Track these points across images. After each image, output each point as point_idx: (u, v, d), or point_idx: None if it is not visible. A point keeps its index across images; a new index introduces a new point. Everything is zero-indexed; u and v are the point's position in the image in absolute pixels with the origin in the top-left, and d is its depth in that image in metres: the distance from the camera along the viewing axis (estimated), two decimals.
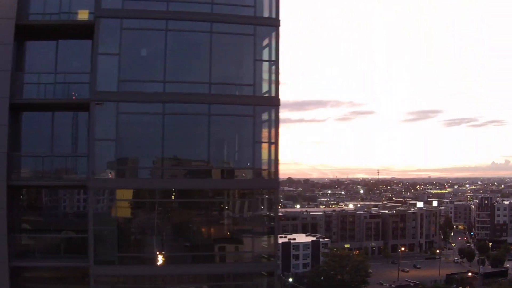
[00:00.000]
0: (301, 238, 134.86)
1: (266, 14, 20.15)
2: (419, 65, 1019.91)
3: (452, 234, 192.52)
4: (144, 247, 19.82)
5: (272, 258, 19.69)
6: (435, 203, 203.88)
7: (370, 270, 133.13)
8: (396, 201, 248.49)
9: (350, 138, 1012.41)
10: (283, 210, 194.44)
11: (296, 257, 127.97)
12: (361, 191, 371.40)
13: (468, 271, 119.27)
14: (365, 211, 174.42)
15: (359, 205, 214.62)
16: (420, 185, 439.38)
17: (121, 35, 19.13)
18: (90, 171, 19.09)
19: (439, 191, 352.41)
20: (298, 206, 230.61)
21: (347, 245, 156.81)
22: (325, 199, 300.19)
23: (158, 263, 19.31)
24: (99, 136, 19.12)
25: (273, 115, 19.67)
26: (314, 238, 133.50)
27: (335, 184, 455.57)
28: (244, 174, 20.09)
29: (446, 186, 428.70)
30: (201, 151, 19.52)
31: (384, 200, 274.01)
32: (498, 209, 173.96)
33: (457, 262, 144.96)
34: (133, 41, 19.56)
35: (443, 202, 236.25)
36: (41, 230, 20.63)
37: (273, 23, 19.95)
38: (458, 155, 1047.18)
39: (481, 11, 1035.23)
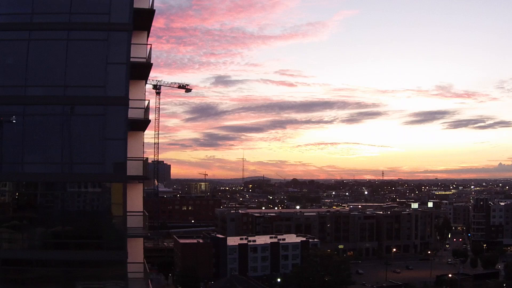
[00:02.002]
0: (291, 238, 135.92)
1: (119, 20, 21.91)
2: (425, 66, 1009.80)
3: (449, 235, 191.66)
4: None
5: (120, 249, 21.18)
6: (430, 204, 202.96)
7: (361, 271, 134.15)
8: (399, 202, 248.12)
9: (357, 139, 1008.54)
10: (277, 210, 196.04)
11: (285, 257, 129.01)
12: (366, 192, 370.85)
13: (450, 273, 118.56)
14: (359, 212, 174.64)
15: (360, 206, 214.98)
16: (426, 186, 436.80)
17: None
18: None
19: (443, 193, 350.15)
20: (298, 207, 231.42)
21: (341, 246, 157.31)
22: (329, 200, 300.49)
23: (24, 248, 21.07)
24: None
25: (122, 113, 21.39)
26: (304, 239, 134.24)
27: (340, 185, 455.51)
28: (94, 169, 21.78)
29: (451, 187, 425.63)
30: (57, 148, 21.36)
31: (388, 201, 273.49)
32: (494, 210, 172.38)
33: (451, 264, 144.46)
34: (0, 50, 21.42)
35: (442, 203, 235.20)
36: None
37: (125, 28, 21.86)
38: (465, 157, 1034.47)
39: (487, 11, 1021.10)
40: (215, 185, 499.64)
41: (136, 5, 26.75)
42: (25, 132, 21.12)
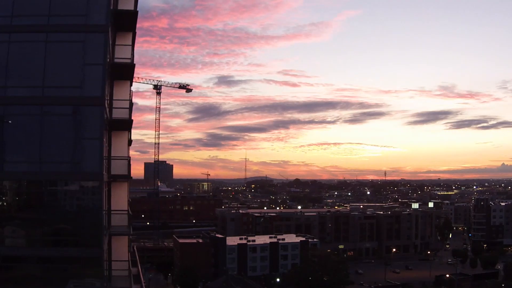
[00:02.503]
0: (291, 238, 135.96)
1: (96, 21, 22.28)
2: (428, 66, 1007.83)
3: (450, 235, 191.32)
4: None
5: (97, 246, 21.58)
6: (431, 204, 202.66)
7: (361, 271, 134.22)
8: (401, 203, 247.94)
9: (360, 139, 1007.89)
10: (277, 210, 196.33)
11: (285, 257, 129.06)
12: (368, 193, 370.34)
13: (449, 273, 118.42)
14: (360, 212, 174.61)
15: (361, 206, 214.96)
16: (428, 186, 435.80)
17: None
18: None
19: (445, 193, 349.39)
20: (299, 207, 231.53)
21: (341, 246, 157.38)
22: (331, 201, 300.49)
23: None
24: None
25: (98, 113, 21.87)
26: (303, 239, 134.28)
27: (343, 185, 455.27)
28: (71, 168, 22.27)
29: (454, 187, 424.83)
30: (35, 147, 21.81)
31: (390, 202, 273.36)
32: (494, 211, 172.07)
33: (451, 264, 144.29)
34: None
35: (443, 203, 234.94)
36: None
37: (102, 30, 22.19)
38: (468, 157, 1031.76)
39: (490, 11, 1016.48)
40: (217, 185, 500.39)
41: (121, 6, 27.31)
42: (5, 131, 21.61)
